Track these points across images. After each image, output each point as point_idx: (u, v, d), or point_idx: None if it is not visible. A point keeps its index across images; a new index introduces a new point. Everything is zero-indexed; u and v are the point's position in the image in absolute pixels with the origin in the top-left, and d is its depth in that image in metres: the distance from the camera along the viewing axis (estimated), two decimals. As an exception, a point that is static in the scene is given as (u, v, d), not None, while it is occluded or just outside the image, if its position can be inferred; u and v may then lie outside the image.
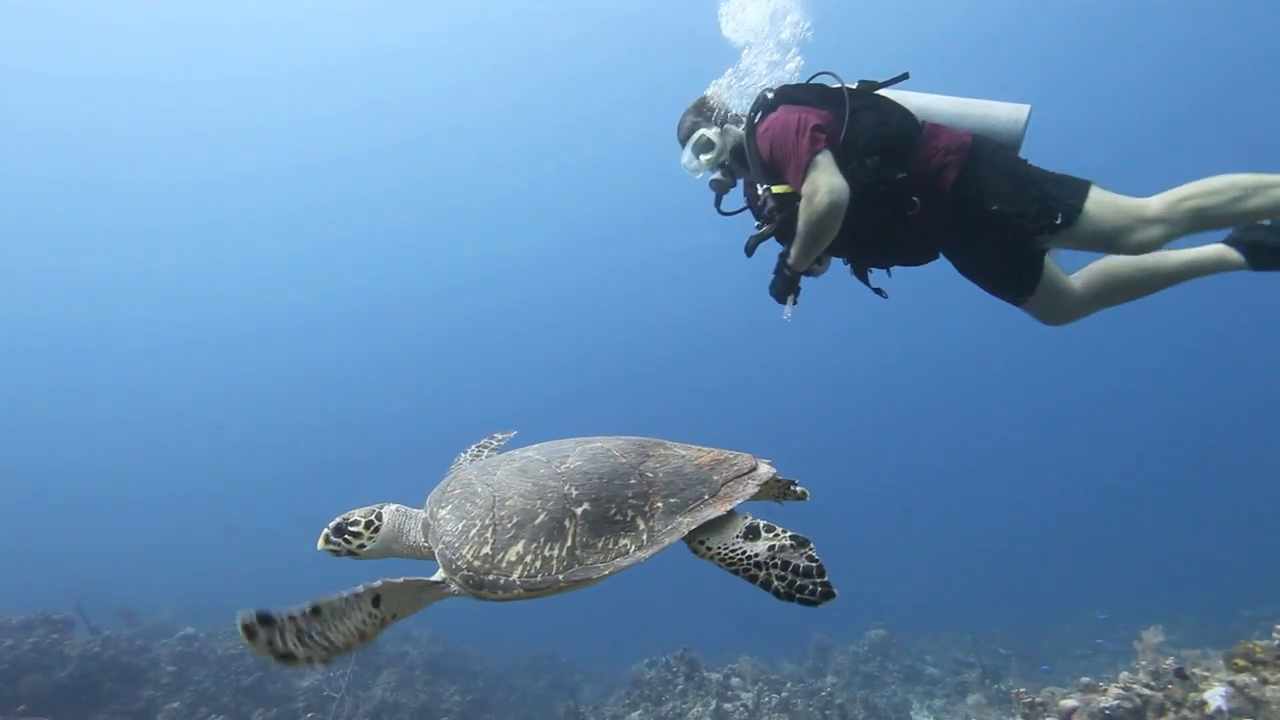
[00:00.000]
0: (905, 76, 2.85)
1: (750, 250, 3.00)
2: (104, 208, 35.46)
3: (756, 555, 1.39)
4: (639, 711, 7.36)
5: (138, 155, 33.78)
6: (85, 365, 38.13)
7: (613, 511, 1.43)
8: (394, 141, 35.38)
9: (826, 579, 1.35)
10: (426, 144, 35.78)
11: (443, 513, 1.50)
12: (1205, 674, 2.88)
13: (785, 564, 1.37)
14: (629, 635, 12.31)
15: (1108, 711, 2.94)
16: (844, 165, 2.60)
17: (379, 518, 1.59)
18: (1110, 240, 2.51)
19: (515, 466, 1.55)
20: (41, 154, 32.86)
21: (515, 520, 1.42)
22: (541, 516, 1.42)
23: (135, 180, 34.64)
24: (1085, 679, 3.83)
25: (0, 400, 35.48)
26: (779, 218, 2.75)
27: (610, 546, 1.40)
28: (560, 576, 1.36)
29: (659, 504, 1.46)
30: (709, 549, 1.44)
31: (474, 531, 1.43)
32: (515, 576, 1.36)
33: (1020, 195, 2.53)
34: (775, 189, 2.73)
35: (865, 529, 23.74)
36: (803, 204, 2.58)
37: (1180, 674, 2.90)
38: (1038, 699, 3.86)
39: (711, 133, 2.90)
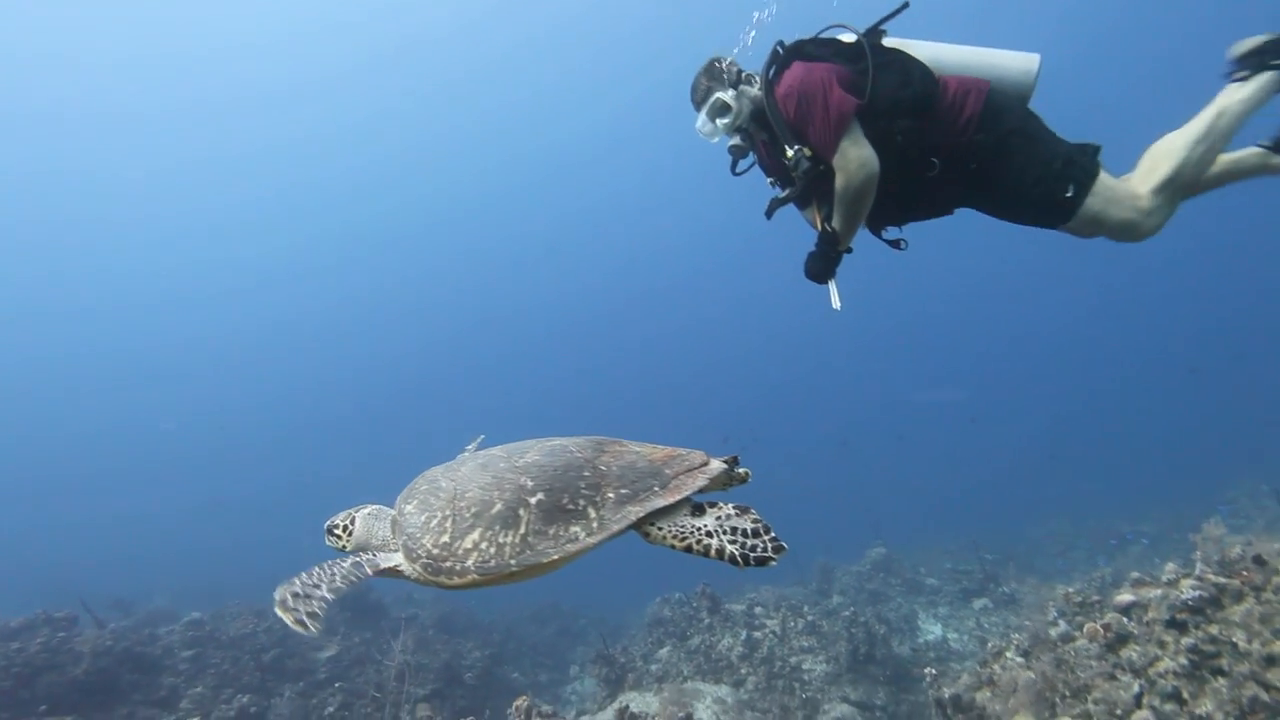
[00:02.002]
0: (905, 6, 2.66)
1: (770, 214, 2.89)
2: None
3: (705, 526, 1.48)
4: (667, 648, 7.52)
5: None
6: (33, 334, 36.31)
7: (565, 501, 1.50)
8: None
9: (774, 534, 1.45)
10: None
11: (409, 508, 1.57)
12: None
13: (734, 529, 1.47)
14: (631, 579, 12.53)
15: (1190, 602, 3.08)
16: (867, 129, 2.49)
17: (353, 521, 1.70)
18: (1104, 226, 2.46)
19: (478, 462, 1.62)
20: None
21: (473, 510, 1.49)
22: (498, 506, 1.49)
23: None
24: (1134, 574, 4.00)
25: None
26: (804, 181, 2.62)
27: (561, 533, 1.47)
28: (512, 561, 1.43)
29: (610, 494, 1.53)
30: (659, 530, 1.51)
31: (435, 522, 1.50)
32: (470, 562, 1.44)
33: (1038, 164, 2.45)
34: (808, 151, 2.59)
35: (853, 458, 24.53)
36: (838, 177, 2.49)
37: (1259, 560, 3.05)
38: (1092, 597, 4.04)
39: (727, 96, 2.70)
